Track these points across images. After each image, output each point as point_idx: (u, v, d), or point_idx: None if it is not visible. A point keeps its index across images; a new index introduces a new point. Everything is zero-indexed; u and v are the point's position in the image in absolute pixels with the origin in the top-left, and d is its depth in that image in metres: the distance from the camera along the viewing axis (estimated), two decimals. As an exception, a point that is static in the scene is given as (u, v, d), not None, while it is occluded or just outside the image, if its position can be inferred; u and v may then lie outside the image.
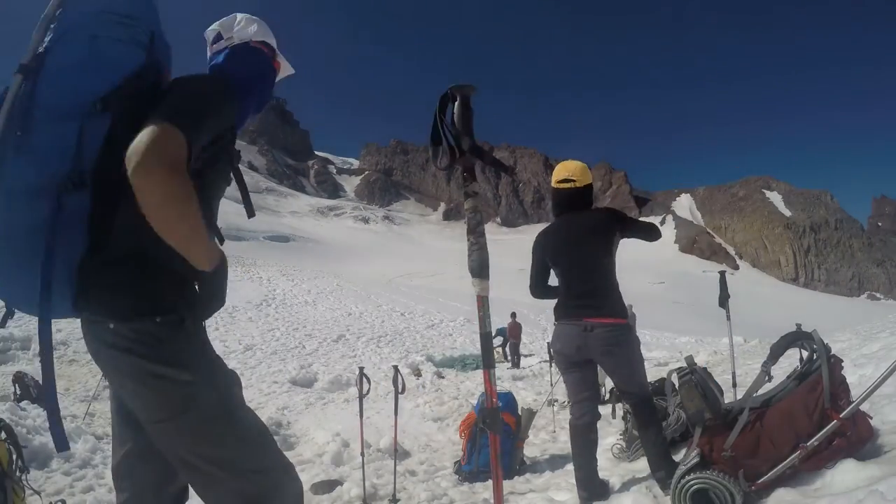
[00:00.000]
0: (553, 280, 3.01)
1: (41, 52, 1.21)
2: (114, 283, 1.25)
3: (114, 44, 1.27)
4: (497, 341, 14.77)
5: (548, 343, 7.76)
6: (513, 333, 14.64)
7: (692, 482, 2.15)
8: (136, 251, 1.26)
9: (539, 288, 2.97)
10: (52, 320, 1.29)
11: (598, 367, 2.90)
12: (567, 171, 2.86)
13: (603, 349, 2.68)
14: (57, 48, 1.21)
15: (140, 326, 1.22)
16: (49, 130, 1.19)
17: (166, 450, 1.29)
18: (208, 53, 1.60)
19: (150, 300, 1.25)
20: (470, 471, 4.14)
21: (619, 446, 3.92)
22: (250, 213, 1.64)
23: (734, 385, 4.35)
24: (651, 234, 2.85)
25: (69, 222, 1.21)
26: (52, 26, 1.23)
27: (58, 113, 1.19)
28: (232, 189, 1.56)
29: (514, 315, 15.18)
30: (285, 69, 1.74)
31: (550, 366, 8.00)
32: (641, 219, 3.04)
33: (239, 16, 1.62)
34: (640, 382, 2.79)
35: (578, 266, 2.77)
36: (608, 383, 7.64)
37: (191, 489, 1.41)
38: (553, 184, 2.93)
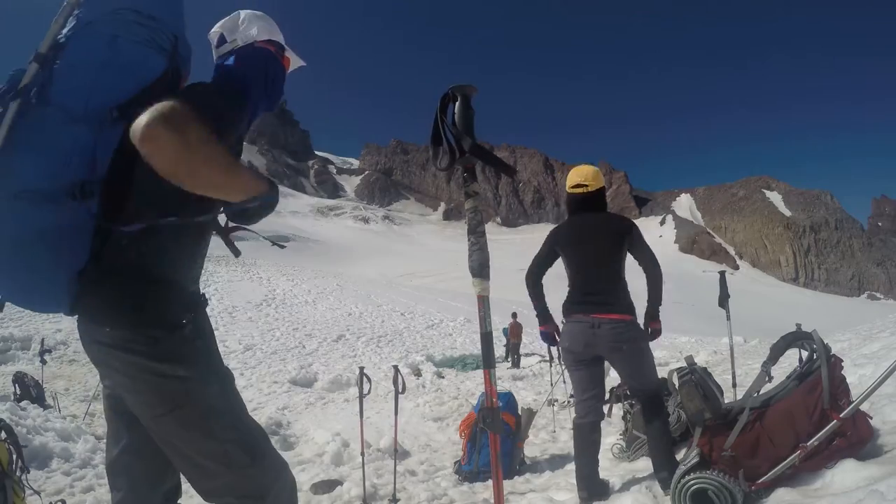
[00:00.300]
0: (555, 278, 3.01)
1: (60, 42, 1.16)
2: (112, 295, 1.25)
3: (134, 46, 1.23)
4: (500, 349, 14.76)
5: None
6: (514, 333, 14.65)
7: (692, 482, 2.15)
8: (136, 263, 1.26)
9: (536, 276, 2.95)
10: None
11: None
12: (580, 176, 2.91)
13: (610, 345, 2.69)
14: (75, 42, 1.17)
15: (136, 331, 1.24)
16: (60, 131, 1.16)
17: (164, 444, 1.30)
18: (214, 57, 1.53)
19: (148, 313, 1.25)
20: (470, 471, 4.13)
21: (619, 446, 3.92)
22: (236, 253, 1.50)
23: (734, 385, 4.35)
24: (653, 266, 2.77)
25: (75, 230, 1.20)
26: (75, 13, 1.19)
27: (71, 114, 1.16)
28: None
29: (514, 315, 15.17)
30: (295, 62, 1.68)
31: (550, 366, 7.99)
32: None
33: (242, 14, 1.53)
34: (648, 379, 2.79)
35: (589, 263, 2.80)
36: (607, 383, 7.63)
37: (185, 484, 1.42)
38: (567, 189, 2.98)
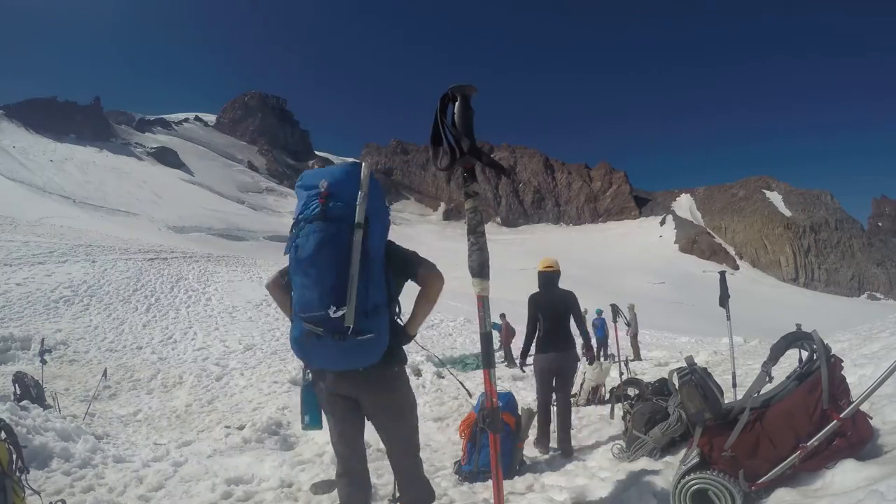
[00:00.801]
0: None
1: (366, 219, 2.02)
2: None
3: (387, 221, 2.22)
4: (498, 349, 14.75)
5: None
6: (506, 334, 14.67)
7: (692, 482, 2.15)
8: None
9: (532, 331, 4.85)
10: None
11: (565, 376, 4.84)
12: (548, 262, 4.94)
13: (567, 365, 4.76)
14: (373, 219, 2.06)
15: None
16: (376, 268, 2.06)
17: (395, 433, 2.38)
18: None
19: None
20: (470, 471, 4.12)
21: (618, 446, 3.91)
22: None
23: (734, 385, 4.35)
24: (580, 326, 4.94)
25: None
26: (366, 205, 2.03)
27: (377, 256, 2.07)
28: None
29: (503, 316, 15.12)
30: None
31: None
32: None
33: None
34: (571, 387, 4.98)
35: (555, 321, 4.73)
36: (608, 383, 7.63)
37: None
38: (540, 269, 4.90)
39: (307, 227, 2.04)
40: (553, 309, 4.73)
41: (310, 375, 2.33)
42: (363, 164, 2.16)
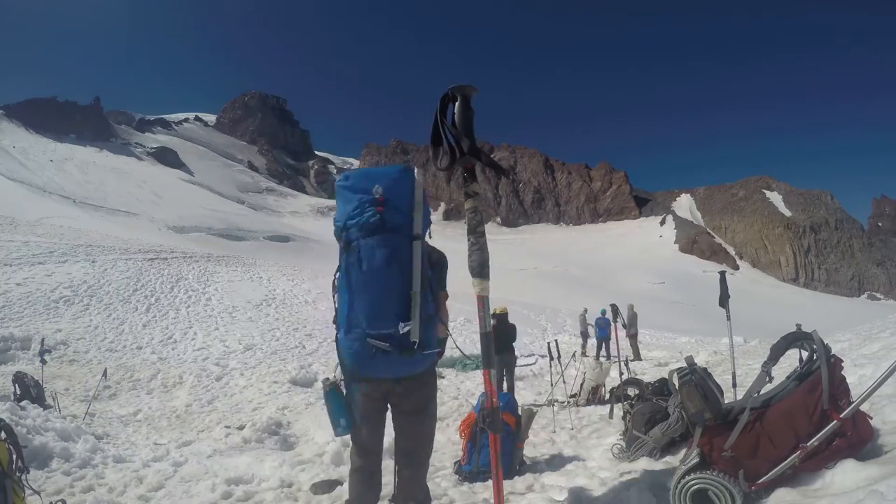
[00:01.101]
0: None
1: (420, 233, 2.11)
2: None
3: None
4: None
5: (548, 343, 7.86)
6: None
7: (692, 482, 2.15)
8: None
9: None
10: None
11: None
12: (500, 308, 8.37)
13: (510, 360, 8.50)
14: (424, 230, 2.15)
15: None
16: (427, 279, 2.13)
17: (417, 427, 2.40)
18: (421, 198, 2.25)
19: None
20: (470, 471, 4.13)
21: (618, 446, 3.91)
22: None
23: (734, 385, 4.35)
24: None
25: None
26: (420, 219, 2.12)
27: (428, 267, 2.16)
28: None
29: (493, 316, 15.08)
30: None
31: (550, 366, 8.01)
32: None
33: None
34: (513, 372, 8.76)
35: (504, 340, 8.24)
36: (608, 383, 7.64)
37: None
38: (496, 312, 8.03)
39: (369, 241, 2.05)
40: (504, 335, 8.21)
41: (337, 380, 2.37)
42: (416, 171, 2.15)
